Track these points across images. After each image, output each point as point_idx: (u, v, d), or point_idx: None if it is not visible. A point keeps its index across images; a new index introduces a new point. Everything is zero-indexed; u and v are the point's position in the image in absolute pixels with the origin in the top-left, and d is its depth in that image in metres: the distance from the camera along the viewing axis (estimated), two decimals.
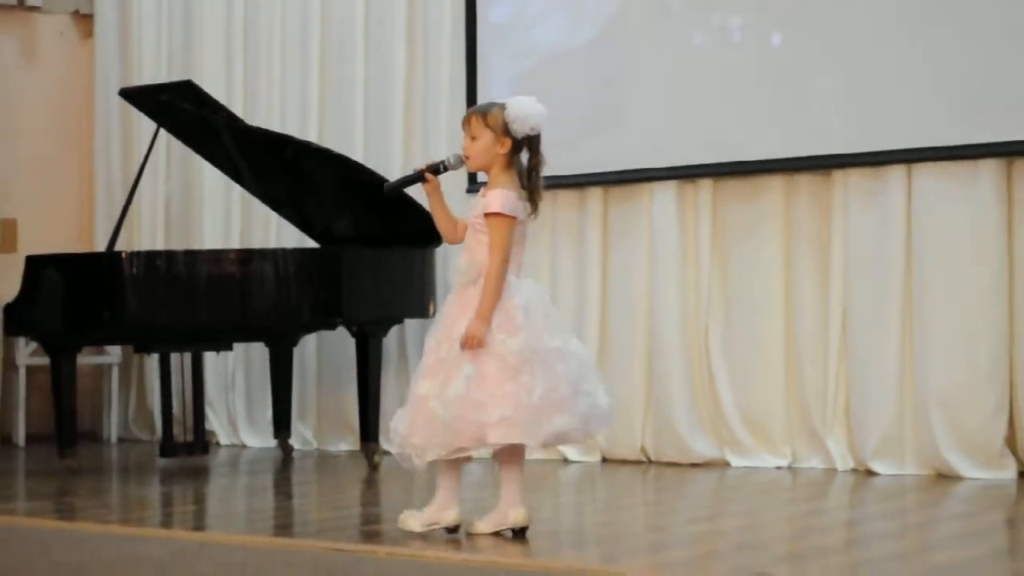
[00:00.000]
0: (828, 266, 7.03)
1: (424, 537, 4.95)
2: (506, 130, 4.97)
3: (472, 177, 7.80)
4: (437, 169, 5.07)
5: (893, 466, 6.78)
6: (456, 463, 5.02)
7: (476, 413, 4.82)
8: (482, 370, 4.85)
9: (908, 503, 6.07)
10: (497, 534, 5.00)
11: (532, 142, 5.01)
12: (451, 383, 4.84)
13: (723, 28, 7.32)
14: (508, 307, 4.92)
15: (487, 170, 5.04)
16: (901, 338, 6.82)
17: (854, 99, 6.89)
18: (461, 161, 5.07)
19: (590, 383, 5.03)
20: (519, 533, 4.99)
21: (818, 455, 7.03)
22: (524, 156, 5.03)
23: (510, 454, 4.99)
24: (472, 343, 4.83)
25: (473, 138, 5.01)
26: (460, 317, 4.91)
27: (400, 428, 4.95)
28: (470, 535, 5.01)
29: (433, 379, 4.89)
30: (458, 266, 5.04)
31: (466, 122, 5.05)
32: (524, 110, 4.96)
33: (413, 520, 5.05)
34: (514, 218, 4.96)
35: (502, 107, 5.00)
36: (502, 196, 4.95)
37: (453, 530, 5.03)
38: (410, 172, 5.17)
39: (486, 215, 4.95)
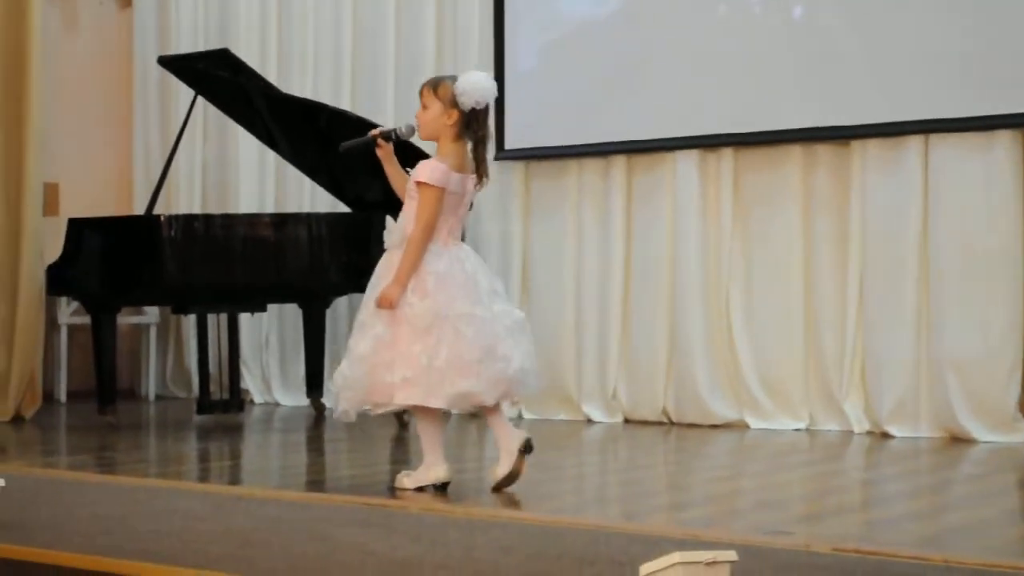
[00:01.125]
0: (846, 234, 7.13)
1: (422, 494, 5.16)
2: (454, 102, 5.14)
3: (500, 143, 7.94)
4: (389, 136, 5.28)
5: (908, 429, 6.89)
6: (436, 421, 5.22)
7: (384, 373, 5.05)
8: (394, 331, 5.07)
9: (922, 465, 6.17)
10: (421, 490, 5.19)
11: (478, 115, 5.17)
12: (361, 342, 5.08)
13: (745, 0, 7.42)
14: (423, 273, 5.11)
15: (436, 139, 5.23)
16: (917, 304, 6.93)
17: (873, 70, 6.98)
18: (413, 130, 5.27)
19: (506, 348, 5.14)
20: (442, 488, 5.19)
21: (835, 418, 7.15)
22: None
23: (422, 413, 5.19)
24: (384, 303, 5.05)
25: (424, 107, 5.20)
26: (384, 278, 5.12)
27: (335, 382, 5.20)
28: (393, 490, 5.20)
29: (356, 337, 5.13)
30: (388, 228, 5.23)
31: (421, 93, 5.23)
32: (472, 84, 5.13)
33: (408, 479, 5.24)
34: (441, 188, 5.12)
35: (453, 79, 5.18)
36: (430, 167, 5.14)
37: (442, 487, 5.22)
38: (366, 137, 5.33)
39: (416, 183, 5.14)
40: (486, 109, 5.19)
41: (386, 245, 5.22)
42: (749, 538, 4.12)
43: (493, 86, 5.20)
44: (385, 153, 5.29)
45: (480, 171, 5.21)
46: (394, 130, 5.30)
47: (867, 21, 7.01)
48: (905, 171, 6.94)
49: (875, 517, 4.86)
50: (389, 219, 5.27)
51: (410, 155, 5.56)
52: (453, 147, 5.19)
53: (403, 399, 5.07)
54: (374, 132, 5.30)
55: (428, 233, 5.12)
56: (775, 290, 7.36)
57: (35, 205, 7.99)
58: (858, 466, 6.33)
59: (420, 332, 5.05)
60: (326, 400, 8.39)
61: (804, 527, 4.52)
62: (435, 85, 5.21)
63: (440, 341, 5.05)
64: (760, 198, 7.41)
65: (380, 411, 5.18)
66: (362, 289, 5.24)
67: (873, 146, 7.03)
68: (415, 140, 5.45)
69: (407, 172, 5.24)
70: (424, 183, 5.11)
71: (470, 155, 5.21)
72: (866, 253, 7.07)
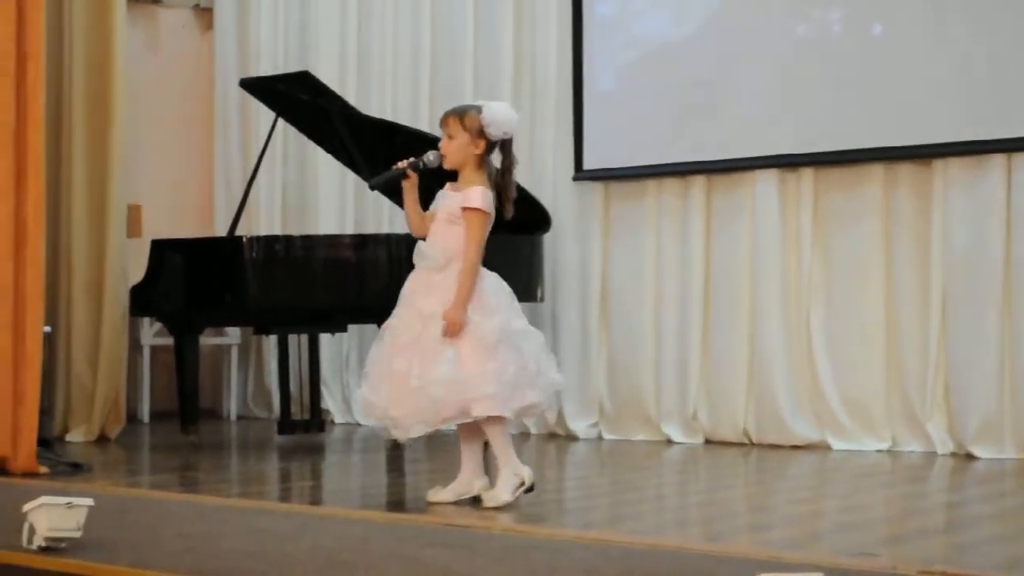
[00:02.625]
0: (928, 253, 7.08)
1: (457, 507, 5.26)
2: (481, 132, 5.26)
3: (579, 164, 7.95)
4: (417, 166, 5.33)
5: (993, 450, 6.81)
6: (476, 436, 5.34)
7: (459, 391, 5.15)
8: (460, 351, 5.17)
9: (1008, 486, 6.10)
10: (456, 503, 5.33)
11: (505, 145, 5.31)
12: (435, 365, 5.16)
13: (824, 19, 7.39)
14: (480, 292, 5.24)
15: (461, 168, 5.34)
16: (1000, 323, 6.86)
17: (954, 88, 6.94)
18: (439, 159, 5.33)
19: (547, 362, 5.35)
20: (530, 490, 5.29)
21: (918, 439, 7.09)
22: (496, 157, 5.33)
23: (492, 424, 5.26)
24: (455, 329, 5.15)
25: (450, 137, 5.28)
26: (429, 299, 5.23)
27: (376, 400, 5.25)
28: (430, 504, 5.32)
29: (410, 357, 5.19)
30: (423, 251, 5.32)
31: (444, 122, 5.34)
32: (499, 115, 5.27)
33: (503, 492, 5.28)
34: (489, 214, 5.28)
35: (478, 110, 5.29)
36: (482, 194, 5.26)
37: (530, 489, 5.31)
38: (393, 169, 5.37)
39: (466, 209, 5.24)
40: (511, 139, 5.32)
41: (424, 266, 5.31)
42: (835, 559, 4.09)
43: (516, 116, 5.36)
44: (411, 184, 5.36)
45: (506, 198, 5.33)
46: (421, 160, 5.35)
47: (948, 38, 6.97)
48: (987, 190, 6.89)
49: (961, 539, 4.82)
50: (421, 242, 5.36)
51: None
52: (477, 175, 5.32)
53: (482, 411, 5.18)
54: (401, 164, 5.34)
55: (481, 256, 5.27)
56: (856, 310, 7.32)
57: (119, 226, 8.09)
58: (942, 487, 6.28)
59: (490, 349, 5.18)
60: None
61: (889, 549, 4.49)
62: (461, 115, 5.32)
63: (507, 356, 5.20)
64: (840, 217, 7.38)
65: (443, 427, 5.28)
66: None
67: (955, 165, 6.98)
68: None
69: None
70: (478, 209, 5.25)
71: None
72: (948, 272, 7.02)
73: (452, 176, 5.43)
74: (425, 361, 5.17)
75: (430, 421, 5.19)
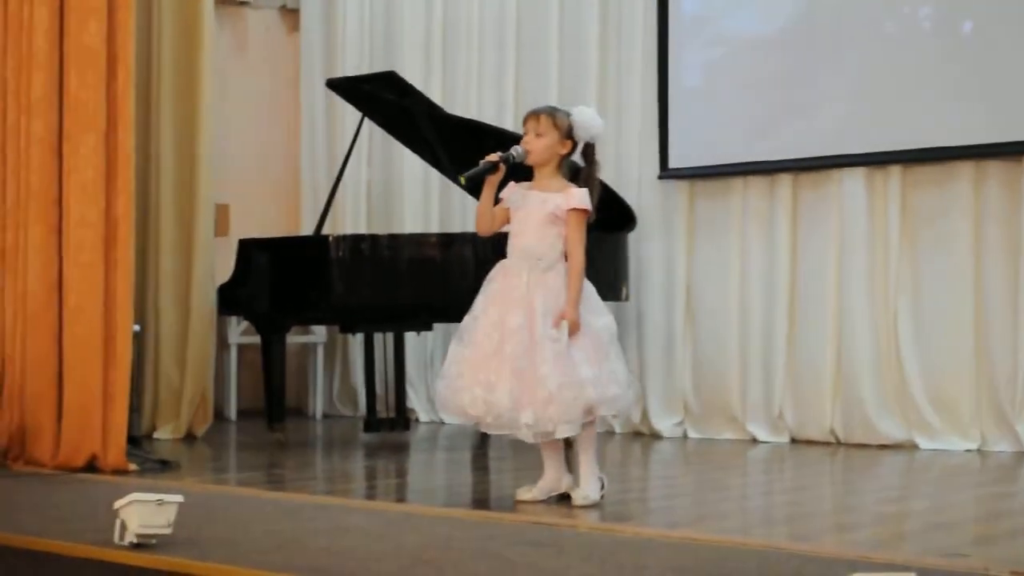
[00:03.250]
0: (1018, 250, 7.01)
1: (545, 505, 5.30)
2: (570, 133, 5.33)
3: (664, 163, 7.95)
4: (508, 160, 5.34)
5: None
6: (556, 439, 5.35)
7: (593, 391, 5.20)
8: (585, 351, 5.22)
9: None
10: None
11: (588, 149, 5.35)
12: (573, 366, 5.18)
13: (913, 16, 7.33)
14: (587, 292, 5.32)
15: (543, 166, 5.37)
16: None
17: None
18: (524, 155, 5.35)
19: None
20: (564, 498, 5.36)
21: (1007, 438, 7.03)
22: (575, 159, 5.37)
23: (592, 427, 5.34)
24: (575, 328, 5.19)
25: (539, 135, 5.32)
26: (548, 299, 5.22)
27: (496, 400, 5.21)
28: (519, 503, 5.34)
29: (539, 358, 5.18)
30: (531, 250, 5.30)
31: (534, 119, 5.36)
32: (589, 118, 5.35)
33: (534, 492, 5.37)
34: (591, 213, 5.34)
35: (567, 113, 5.35)
36: (582, 194, 5.30)
37: (565, 496, 5.35)
38: (484, 163, 5.35)
39: (572, 210, 5.27)
40: (595, 144, 5.37)
41: (538, 266, 5.29)
42: (924, 560, 4.06)
43: (603, 123, 5.41)
44: (497, 178, 5.37)
45: (592, 199, 5.35)
46: (510, 154, 5.35)
47: None
48: None
49: None
50: (527, 241, 5.32)
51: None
52: (557, 175, 5.37)
53: (608, 410, 5.33)
54: (492, 157, 5.35)
55: (584, 255, 5.31)
56: (944, 308, 7.26)
57: (207, 225, 8.16)
58: None
59: (606, 349, 5.28)
60: None
61: (980, 550, 4.44)
62: (553, 114, 5.37)
63: (619, 356, 5.35)
64: (928, 215, 7.32)
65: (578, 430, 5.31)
66: None
67: None
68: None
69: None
70: (581, 209, 5.29)
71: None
72: None
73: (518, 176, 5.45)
74: (559, 362, 5.17)
75: (575, 420, 5.20)
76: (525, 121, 5.41)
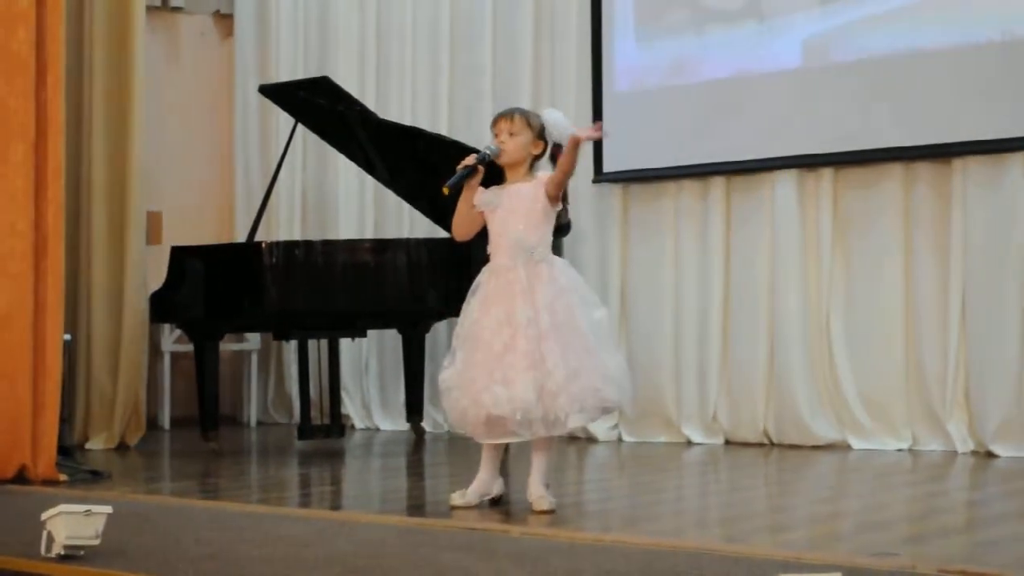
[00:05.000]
0: (947, 251, 7.07)
1: (479, 510, 5.31)
2: (541, 134, 5.34)
3: (599, 167, 7.98)
4: (483, 159, 5.34)
5: (1013, 448, 6.80)
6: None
7: (593, 379, 5.22)
8: (588, 340, 5.23)
9: None
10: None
11: (558, 151, 5.35)
12: (582, 358, 5.19)
13: (844, 16, 7.36)
14: (583, 283, 5.40)
15: (517, 166, 5.37)
16: (1020, 322, 6.84)
17: (972, 87, 6.93)
18: (497, 153, 5.35)
19: None
20: (495, 503, 5.41)
21: (938, 438, 7.08)
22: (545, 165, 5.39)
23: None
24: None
25: (512, 134, 5.32)
26: (548, 292, 5.22)
27: (515, 394, 5.15)
28: (453, 508, 5.33)
29: (548, 348, 5.16)
30: (524, 242, 5.27)
31: (507, 119, 5.36)
32: (559, 120, 5.36)
33: (468, 497, 5.36)
34: None
35: (538, 115, 5.38)
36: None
37: (497, 501, 5.39)
38: (461, 168, 5.33)
39: (545, 184, 5.28)
40: (562, 147, 5.34)
41: (534, 258, 5.28)
42: (854, 560, 4.08)
43: (572, 125, 5.39)
44: (476, 181, 5.36)
45: (565, 203, 5.39)
46: (484, 153, 5.35)
47: (964, 38, 6.95)
48: (1007, 188, 6.87)
49: (981, 538, 4.80)
50: (519, 234, 5.29)
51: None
52: (529, 176, 5.36)
53: (617, 399, 5.35)
54: (469, 161, 5.33)
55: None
56: (875, 309, 7.31)
57: (138, 234, 8.10)
58: (962, 486, 6.27)
59: (609, 338, 5.42)
60: (425, 424, 8.43)
61: (909, 548, 4.47)
62: (528, 114, 5.38)
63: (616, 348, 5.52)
64: (860, 217, 7.37)
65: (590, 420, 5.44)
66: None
67: (974, 163, 6.97)
68: None
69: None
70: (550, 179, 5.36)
71: None
72: (967, 271, 7.00)
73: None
74: (566, 353, 5.16)
75: (587, 410, 5.21)
76: (495, 122, 5.37)
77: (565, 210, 5.44)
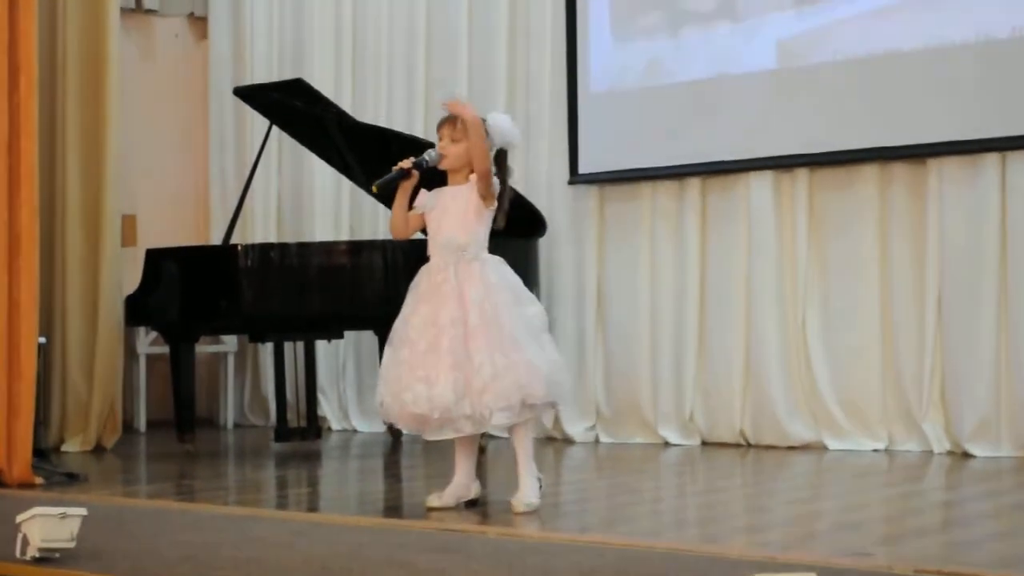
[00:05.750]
0: (923, 252, 7.08)
1: (457, 511, 5.32)
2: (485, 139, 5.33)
3: (574, 168, 8.00)
4: (420, 165, 5.36)
5: (989, 448, 6.81)
6: (472, 440, 5.43)
7: (520, 376, 5.24)
8: (518, 337, 5.26)
9: (1004, 484, 6.10)
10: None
11: (501, 155, 5.39)
12: (512, 350, 5.21)
13: (820, 18, 7.37)
14: (517, 281, 5.42)
15: (458, 171, 5.40)
16: (996, 322, 6.86)
17: (948, 88, 6.94)
18: (438, 159, 5.36)
19: None
20: (472, 504, 5.43)
21: (914, 438, 7.09)
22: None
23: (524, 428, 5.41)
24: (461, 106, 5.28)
25: (454, 140, 5.34)
26: (479, 289, 5.24)
27: (439, 393, 5.17)
28: (430, 510, 5.34)
29: (476, 345, 5.20)
30: (455, 241, 5.29)
31: (449, 124, 5.37)
32: (503, 125, 5.39)
33: (444, 498, 5.38)
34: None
35: (483, 119, 5.34)
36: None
37: (473, 503, 5.40)
38: (395, 170, 5.35)
39: (479, 179, 5.28)
40: (507, 152, 5.40)
41: (464, 257, 5.31)
42: (830, 560, 4.09)
43: (518, 132, 5.48)
44: (409, 184, 5.39)
45: (499, 208, 5.38)
46: (423, 158, 5.36)
47: (939, 39, 6.96)
48: (982, 189, 6.89)
49: (957, 538, 4.82)
50: (449, 234, 5.32)
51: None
52: (466, 179, 5.36)
53: (546, 396, 5.30)
54: (405, 163, 5.35)
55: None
56: (851, 310, 7.32)
57: (113, 236, 8.08)
58: (939, 486, 6.28)
59: (542, 335, 5.38)
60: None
61: (885, 549, 4.49)
62: None
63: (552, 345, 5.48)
64: (835, 218, 7.38)
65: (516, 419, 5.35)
66: None
67: (949, 164, 6.98)
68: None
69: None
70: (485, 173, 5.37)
71: None
72: (944, 271, 7.02)
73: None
74: (493, 350, 5.17)
75: (512, 407, 5.19)
76: (440, 127, 5.41)
77: (501, 210, 5.39)
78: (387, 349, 5.38)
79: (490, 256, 5.37)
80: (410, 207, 5.42)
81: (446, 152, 5.35)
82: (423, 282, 5.35)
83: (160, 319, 7.75)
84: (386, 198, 7.92)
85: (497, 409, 5.16)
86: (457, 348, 5.18)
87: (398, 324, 5.37)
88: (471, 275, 5.27)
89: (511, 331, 5.22)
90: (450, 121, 5.37)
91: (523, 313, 5.30)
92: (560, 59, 8.21)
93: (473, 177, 5.31)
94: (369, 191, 8.24)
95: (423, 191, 5.42)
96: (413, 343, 5.26)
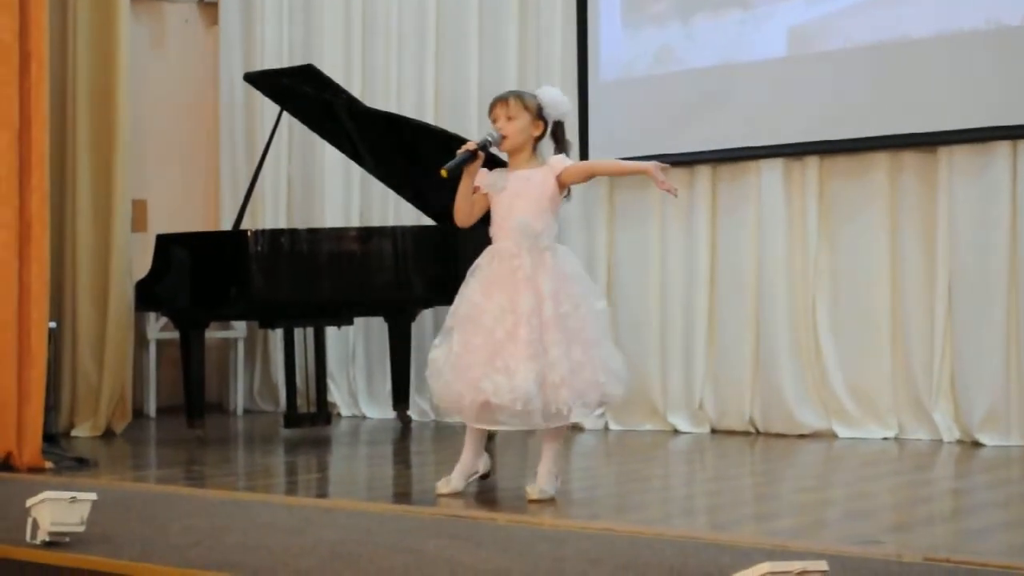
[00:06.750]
0: (933, 240, 7.08)
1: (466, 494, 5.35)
2: (540, 114, 5.28)
3: (584, 154, 7.98)
4: (485, 146, 5.28)
5: (999, 437, 6.81)
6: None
7: (596, 372, 5.24)
8: (591, 332, 5.24)
9: (1013, 473, 6.09)
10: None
11: (559, 129, 5.33)
12: (587, 350, 5.19)
13: (829, 5, 7.37)
14: (586, 275, 5.42)
15: (520, 150, 5.32)
16: (1006, 311, 6.86)
17: (959, 76, 6.93)
18: (499, 139, 5.30)
19: None
20: (484, 478, 5.49)
21: (924, 426, 7.10)
22: (547, 145, 5.36)
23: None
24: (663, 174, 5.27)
25: (510, 118, 5.26)
26: (553, 281, 5.17)
27: (518, 384, 5.10)
28: (440, 496, 5.34)
29: (555, 340, 5.15)
30: (530, 229, 5.20)
31: (502, 104, 5.30)
32: (556, 97, 5.32)
33: (451, 483, 5.36)
34: None
35: (533, 94, 5.32)
36: (562, 157, 5.31)
37: (485, 476, 5.43)
38: (462, 152, 5.27)
39: (563, 169, 5.25)
40: (563, 124, 5.34)
41: (539, 245, 5.23)
42: (840, 548, 4.09)
43: (568, 100, 5.37)
44: (475, 167, 5.29)
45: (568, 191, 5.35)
46: (487, 140, 5.29)
47: (950, 26, 6.95)
48: (992, 177, 6.88)
49: (966, 526, 4.82)
50: (523, 221, 5.24)
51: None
52: (534, 158, 5.32)
53: (616, 392, 5.31)
54: (470, 146, 5.28)
55: None
56: (862, 298, 7.32)
57: (124, 222, 8.08)
58: (948, 475, 6.28)
59: (608, 331, 5.40)
60: (412, 412, 8.43)
61: (895, 537, 4.49)
62: (522, 96, 5.31)
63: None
64: (846, 206, 7.37)
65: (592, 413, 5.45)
66: (449, 301, 5.27)
67: (960, 152, 6.98)
68: None
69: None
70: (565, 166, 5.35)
71: None
72: (954, 260, 7.01)
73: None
74: (569, 345, 5.13)
75: (589, 404, 5.20)
76: (492, 108, 5.32)
77: (568, 197, 5.39)
78: (451, 334, 5.23)
79: (560, 246, 5.30)
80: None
81: (506, 132, 5.26)
82: (491, 265, 5.23)
83: (170, 305, 7.76)
84: (419, 194, 7.95)
85: (576, 406, 5.14)
86: (535, 339, 5.09)
87: (464, 308, 5.22)
88: (545, 264, 5.18)
89: (586, 326, 5.17)
90: (502, 100, 5.30)
91: (594, 308, 5.25)
92: (571, 47, 8.19)
93: (553, 161, 5.25)
94: (378, 176, 8.33)
95: (483, 170, 5.32)
96: (489, 330, 5.14)
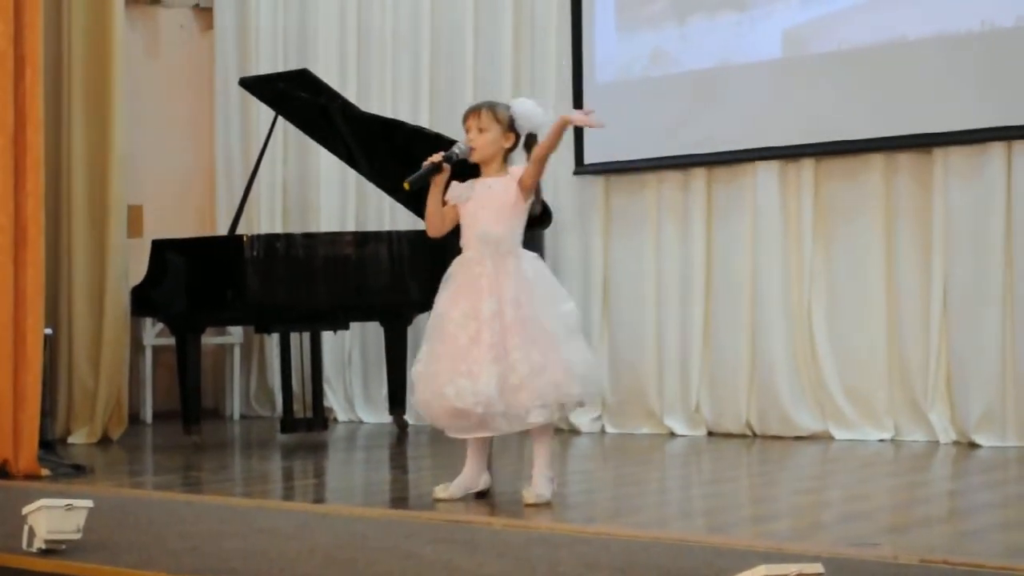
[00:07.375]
0: (929, 242, 7.08)
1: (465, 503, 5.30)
2: (511, 126, 5.29)
3: (579, 158, 7.99)
4: (451, 158, 5.29)
5: (995, 438, 6.81)
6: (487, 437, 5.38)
7: (555, 374, 5.20)
8: (553, 334, 5.23)
9: (1010, 475, 6.08)
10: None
11: (532, 140, 5.31)
12: (546, 352, 5.17)
13: (823, 7, 7.37)
14: (550, 278, 5.39)
15: (490, 161, 5.34)
16: (1002, 312, 6.86)
17: (954, 77, 6.93)
18: (468, 151, 5.31)
19: None
20: (480, 496, 5.42)
21: (921, 428, 7.09)
22: (519, 156, 5.35)
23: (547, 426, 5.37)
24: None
25: (481, 130, 5.29)
26: (515, 286, 5.19)
27: (481, 390, 5.14)
28: (437, 501, 5.32)
29: (515, 343, 5.17)
30: (492, 235, 5.24)
31: (474, 115, 5.33)
32: (529, 109, 5.31)
33: (451, 490, 5.35)
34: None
35: (506, 106, 5.33)
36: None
37: (483, 494, 5.37)
38: (427, 165, 5.29)
39: (519, 182, 5.25)
40: (536, 136, 5.32)
41: (500, 251, 5.25)
42: (836, 550, 4.09)
43: (543, 113, 5.35)
44: (442, 179, 5.32)
45: (538, 195, 5.35)
46: (453, 152, 5.31)
47: (944, 28, 6.96)
48: (988, 178, 6.88)
49: (963, 528, 4.82)
50: (487, 228, 5.27)
51: None
52: (504, 169, 5.34)
53: (579, 394, 5.28)
54: (436, 158, 5.30)
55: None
56: (857, 300, 7.32)
57: (119, 227, 8.07)
58: (945, 476, 6.29)
59: (576, 332, 5.33)
60: (408, 417, 8.42)
61: (891, 538, 4.48)
62: (494, 108, 5.34)
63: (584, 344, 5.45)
64: (841, 208, 7.38)
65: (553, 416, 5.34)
66: None
67: (955, 153, 6.98)
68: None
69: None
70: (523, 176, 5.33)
71: None
72: (949, 261, 7.01)
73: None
74: (529, 347, 5.13)
75: (548, 405, 5.17)
76: (465, 119, 5.36)
77: (538, 201, 5.38)
78: (423, 347, 5.32)
79: (525, 251, 5.32)
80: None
81: (475, 144, 5.30)
82: (459, 275, 5.28)
83: (166, 310, 7.76)
84: (417, 198, 7.93)
85: (534, 407, 5.14)
86: (497, 343, 5.13)
87: (433, 320, 5.30)
88: (507, 269, 5.22)
89: (547, 328, 5.18)
90: (475, 112, 5.33)
91: (559, 310, 5.25)
92: (565, 49, 8.20)
93: (514, 170, 5.28)
94: (373, 180, 8.33)
95: (455, 183, 5.35)
96: (453, 337, 5.19)
